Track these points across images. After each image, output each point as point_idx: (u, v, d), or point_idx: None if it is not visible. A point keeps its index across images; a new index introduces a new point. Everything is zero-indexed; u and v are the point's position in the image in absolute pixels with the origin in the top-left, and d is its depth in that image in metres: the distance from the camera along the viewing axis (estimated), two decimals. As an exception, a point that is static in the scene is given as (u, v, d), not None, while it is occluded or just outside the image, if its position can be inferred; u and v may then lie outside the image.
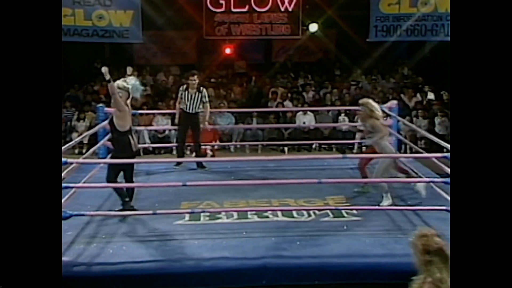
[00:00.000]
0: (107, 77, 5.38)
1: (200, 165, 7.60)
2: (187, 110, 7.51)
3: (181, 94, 7.58)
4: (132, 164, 5.80)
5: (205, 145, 9.27)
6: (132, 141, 5.70)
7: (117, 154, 5.70)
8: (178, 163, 7.74)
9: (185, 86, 7.60)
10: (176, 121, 7.82)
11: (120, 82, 5.71)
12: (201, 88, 7.63)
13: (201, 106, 7.58)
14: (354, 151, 10.63)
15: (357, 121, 10.89)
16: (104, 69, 5.44)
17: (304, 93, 13.02)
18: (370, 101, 6.28)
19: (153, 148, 10.54)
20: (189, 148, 8.47)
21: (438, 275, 2.59)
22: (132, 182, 5.82)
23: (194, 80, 7.49)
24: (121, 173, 5.72)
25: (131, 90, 5.75)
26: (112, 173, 5.63)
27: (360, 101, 6.36)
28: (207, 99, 7.64)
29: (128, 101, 5.82)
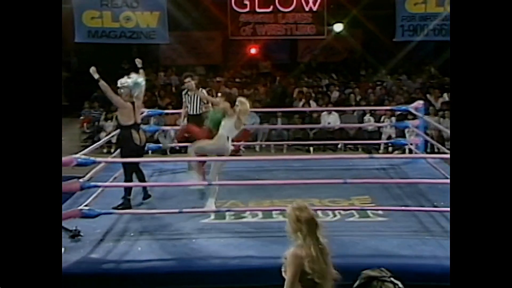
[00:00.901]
0: (96, 76, 5.51)
1: None
2: (190, 112, 7.51)
3: (183, 97, 7.60)
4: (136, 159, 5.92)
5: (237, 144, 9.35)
6: (136, 135, 5.80)
7: (122, 150, 5.84)
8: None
9: (185, 89, 7.57)
10: (183, 122, 7.75)
11: (121, 79, 5.85)
12: (200, 89, 7.59)
13: (203, 108, 7.54)
14: (380, 151, 10.52)
15: (383, 121, 10.82)
16: (92, 69, 5.60)
17: (329, 93, 12.95)
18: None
19: (180, 147, 10.59)
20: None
21: (302, 241, 2.98)
22: (140, 177, 5.94)
23: (188, 82, 7.47)
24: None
25: (131, 87, 5.83)
26: (126, 171, 5.77)
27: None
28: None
29: (135, 96, 5.93)
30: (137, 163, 5.97)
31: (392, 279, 2.22)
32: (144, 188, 6.09)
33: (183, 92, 7.58)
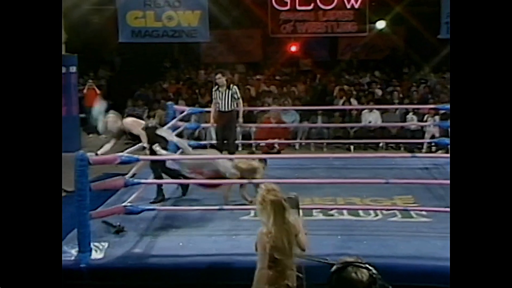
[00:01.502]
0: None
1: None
2: (220, 109, 7.53)
3: (214, 94, 7.63)
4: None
5: (271, 142, 9.38)
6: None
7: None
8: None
9: (216, 85, 7.61)
10: (212, 120, 7.80)
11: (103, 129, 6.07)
12: (231, 85, 7.61)
13: (234, 104, 7.55)
14: (423, 150, 10.30)
15: (426, 120, 10.58)
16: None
17: (370, 91, 12.77)
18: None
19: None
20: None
21: (267, 220, 3.31)
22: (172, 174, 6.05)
23: (219, 78, 7.50)
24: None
25: (103, 122, 6.05)
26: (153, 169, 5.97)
27: None
28: (238, 95, 7.59)
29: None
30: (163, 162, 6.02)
31: (367, 265, 2.24)
32: (181, 184, 6.18)
33: (214, 89, 7.63)
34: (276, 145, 10.12)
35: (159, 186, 6.08)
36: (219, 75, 7.56)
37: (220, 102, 7.48)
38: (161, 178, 6.02)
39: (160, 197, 6.06)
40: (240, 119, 7.73)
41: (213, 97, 7.69)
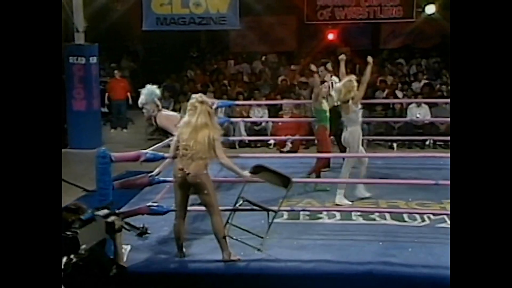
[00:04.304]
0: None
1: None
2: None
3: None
4: None
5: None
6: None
7: None
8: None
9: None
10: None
11: (139, 102, 6.04)
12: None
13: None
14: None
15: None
16: None
17: (417, 83, 12.56)
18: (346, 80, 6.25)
19: (249, 141, 10.71)
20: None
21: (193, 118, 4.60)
22: None
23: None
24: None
25: (150, 100, 5.98)
26: None
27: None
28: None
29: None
30: None
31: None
32: None
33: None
34: (289, 143, 9.97)
35: None
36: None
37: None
38: None
39: None
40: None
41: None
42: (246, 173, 4.81)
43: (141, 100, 6.07)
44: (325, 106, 6.84)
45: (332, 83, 7.24)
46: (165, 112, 6.23)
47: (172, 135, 6.00)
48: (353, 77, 6.32)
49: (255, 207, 5.07)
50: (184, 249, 4.78)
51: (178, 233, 4.75)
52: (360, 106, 6.24)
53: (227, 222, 5.02)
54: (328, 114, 6.82)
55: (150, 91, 6.04)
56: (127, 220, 5.22)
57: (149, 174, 5.46)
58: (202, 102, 4.60)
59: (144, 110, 6.13)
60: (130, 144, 10.48)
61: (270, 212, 4.95)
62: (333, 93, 6.89)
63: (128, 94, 12.45)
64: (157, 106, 6.05)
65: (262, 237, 4.86)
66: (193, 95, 4.74)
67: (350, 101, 6.07)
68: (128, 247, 4.90)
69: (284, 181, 5.00)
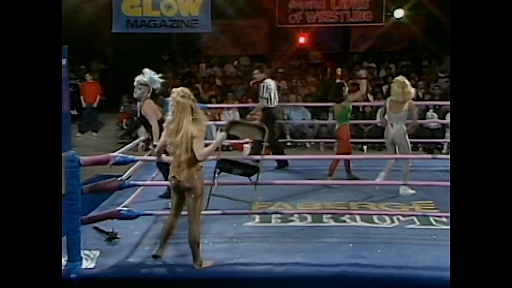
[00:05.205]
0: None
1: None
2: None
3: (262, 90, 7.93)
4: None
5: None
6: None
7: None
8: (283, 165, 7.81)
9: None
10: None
11: (139, 78, 5.97)
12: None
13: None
14: (444, 151, 10.26)
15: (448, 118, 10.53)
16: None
17: (386, 86, 12.71)
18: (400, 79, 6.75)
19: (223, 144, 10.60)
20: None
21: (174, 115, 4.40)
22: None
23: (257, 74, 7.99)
24: None
25: (150, 83, 6.06)
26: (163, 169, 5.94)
27: (395, 79, 6.87)
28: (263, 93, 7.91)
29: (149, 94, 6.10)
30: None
31: None
32: None
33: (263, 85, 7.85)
34: (246, 147, 9.96)
35: None
36: (256, 71, 8.10)
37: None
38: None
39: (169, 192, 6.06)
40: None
41: (260, 94, 7.98)
42: (221, 134, 4.78)
43: (143, 78, 6.08)
44: (349, 105, 7.17)
45: (265, 85, 7.81)
46: (152, 102, 6.21)
47: (149, 126, 5.97)
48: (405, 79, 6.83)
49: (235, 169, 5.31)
50: (163, 250, 4.75)
51: (167, 230, 4.71)
52: None
53: (210, 194, 5.08)
54: (350, 113, 7.25)
55: (154, 77, 6.13)
56: (96, 224, 5.19)
57: (119, 178, 5.40)
58: (183, 96, 4.41)
59: (137, 90, 6.10)
60: (100, 148, 10.32)
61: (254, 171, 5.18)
62: (266, 94, 7.68)
63: (98, 97, 12.29)
64: (150, 92, 6.08)
65: (249, 202, 5.20)
66: (174, 89, 4.49)
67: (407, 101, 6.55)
68: (97, 252, 4.84)
69: (259, 131, 5.23)
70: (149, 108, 6.02)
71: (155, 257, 4.72)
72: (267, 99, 7.81)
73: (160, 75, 6.33)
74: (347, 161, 7.08)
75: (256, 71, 8.15)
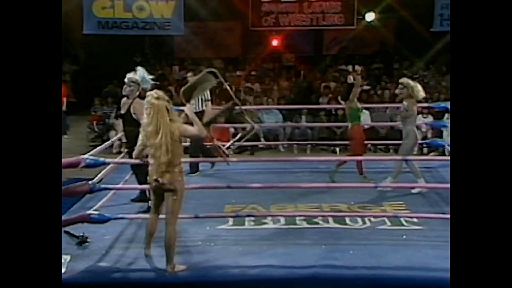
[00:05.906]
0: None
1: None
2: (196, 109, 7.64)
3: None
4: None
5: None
6: None
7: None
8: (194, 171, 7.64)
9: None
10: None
11: (130, 75, 5.92)
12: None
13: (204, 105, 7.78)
14: (415, 152, 10.39)
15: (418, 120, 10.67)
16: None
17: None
18: (410, 81, 6.98)
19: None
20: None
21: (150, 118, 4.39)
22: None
23: (191, 77, 7.77)
24: None
25: (141, 82, 6.01)
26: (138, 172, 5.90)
27: (400, 81, 7.03)
28: (208, 96, 7.84)
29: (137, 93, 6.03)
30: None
31: None
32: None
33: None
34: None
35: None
36: (190, 73, 7.79)
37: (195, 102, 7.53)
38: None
39: (143, 196, 5.98)
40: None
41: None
42: (187, 106, 5.04)
43: (135, 76, 6.00)
44: (359, 105, 7.34)
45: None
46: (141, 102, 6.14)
47: (133, 125, 5.88)
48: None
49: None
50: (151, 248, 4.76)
51: (150, 228, 4.73)
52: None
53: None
54: (360, 112, 7.40)
55: (146, 77, 6.07)
56: (66, 228, 5.10)
57: (90, 181, 5.32)
58: (158, 98, 4.39)
59: (127, 87, 6.00)
60: (71, 151, 10.13)
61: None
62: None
63: (65, 99, 12.09)
64: (140, 92, 5.97)
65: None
66: (148, 93, 4.50)
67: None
68: (68, 257, 4.76)
69: (210, 75, 5.25)
70: (137, 108, 5.90)
71: (146, 256, 4.75)
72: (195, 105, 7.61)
73: (152, 76, 6.27)
74: (360, 163, 7.11)
75: (189, 74, 8.04)
